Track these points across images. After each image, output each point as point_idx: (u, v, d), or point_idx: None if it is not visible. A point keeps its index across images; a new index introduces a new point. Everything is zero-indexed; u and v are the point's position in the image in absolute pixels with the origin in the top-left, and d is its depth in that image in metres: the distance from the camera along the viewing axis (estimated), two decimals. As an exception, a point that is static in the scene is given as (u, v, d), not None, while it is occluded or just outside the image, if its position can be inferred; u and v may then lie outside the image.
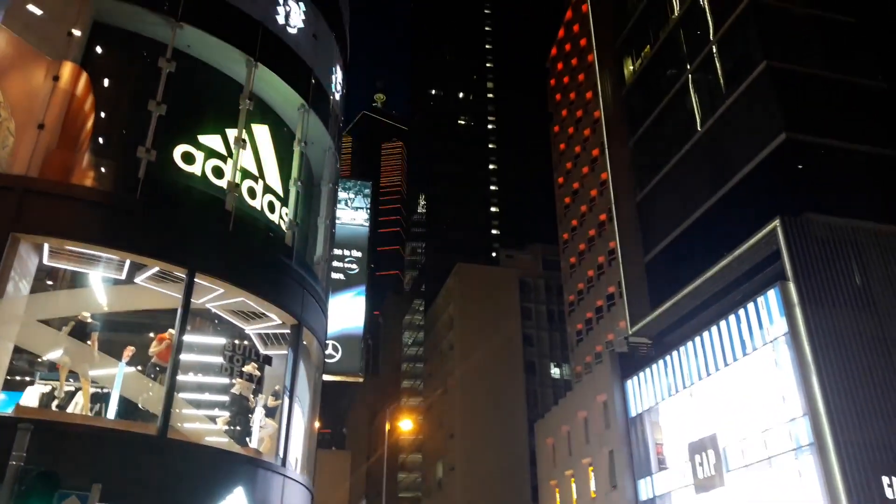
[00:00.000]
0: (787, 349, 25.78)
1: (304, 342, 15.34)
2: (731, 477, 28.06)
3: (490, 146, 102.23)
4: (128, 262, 12.76)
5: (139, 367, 13.64)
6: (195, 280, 12.60)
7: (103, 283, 13.76)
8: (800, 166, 30.16)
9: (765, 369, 27.16)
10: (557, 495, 44.37)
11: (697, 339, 31.23)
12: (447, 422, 64.38)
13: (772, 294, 26.68)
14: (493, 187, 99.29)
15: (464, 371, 62.38)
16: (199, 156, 13.77)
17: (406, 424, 42.61)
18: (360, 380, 23.61)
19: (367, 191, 24.41)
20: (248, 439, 13.87)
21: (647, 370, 35.42)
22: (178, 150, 13.54)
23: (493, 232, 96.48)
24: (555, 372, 66.28)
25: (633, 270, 42.67)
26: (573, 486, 42.24)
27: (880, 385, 24.73)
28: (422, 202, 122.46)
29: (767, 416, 26.61)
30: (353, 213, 23.79)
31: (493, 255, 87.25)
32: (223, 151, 14.16)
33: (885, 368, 25.14)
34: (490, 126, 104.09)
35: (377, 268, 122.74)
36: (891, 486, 23.02)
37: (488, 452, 57.28)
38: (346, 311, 22.62)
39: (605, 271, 50.36)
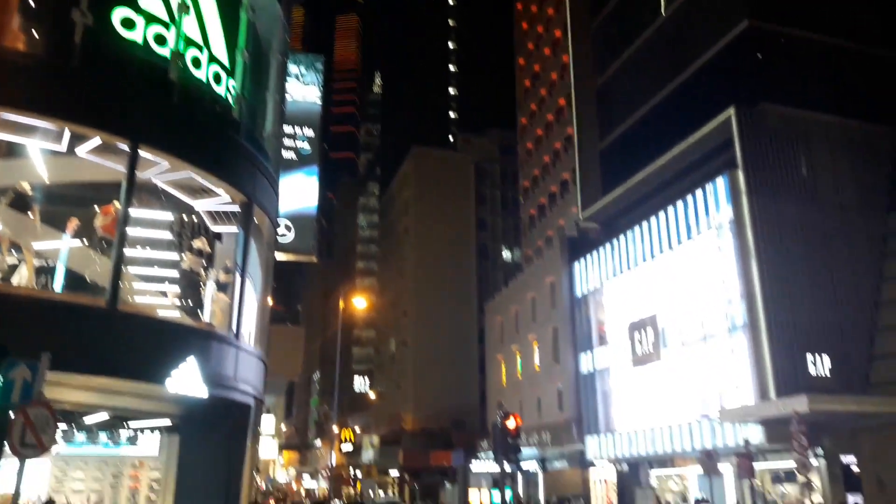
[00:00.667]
0: (731, 235, 26.72)
1: (255, 220, 15.20)
2: (668, 353, 29.74)
3: (450, 24, 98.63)
4: (67, 133, 12.21)
5: (85, 241, 13.42)
6: (139, 153, 12.20)
7: (42, 154, 13.22)
8: (759, 55, 30.07)
9: (707, 254, 28.22)
10: (503, 368, 46.55)
11: (645, 223, 32.06)
12: (401, 301, 65.92)
13: (720, 181, 27.29)
14: (452, 68, 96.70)
15: (418, 254, 63.26)
16: (140, 21, 12.94)
17: (360, 303, 43.52)
18: (314, 259, 23.64)
19: (319, 65, 23.46)
20: (199, 313, 13.99)
21: (595, 252, 36.45)
22: (117, 15, 12.68)
23: (451, 115, 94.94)
24: (506, 255, 67.66)
25: (589, 156, 42.92)
26: (518, 359, 44.29)
27: (814, 272, 26.01)
28: (378, 82, 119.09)
29: (706, 298, 27.93)
30: (304, 89, 22.98)
31: (451, 139, 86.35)
32: (165, 17, 13.34)
33: (821, 257, 26.36)
34: (451, 1, 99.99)
35: (331, 149, 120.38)
36: (814, 363, 24.77)
37: (439, 330, 59.28)
38: (299, 192, 22.29)
39: (560, 158, 50.50)
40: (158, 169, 13.26)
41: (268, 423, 70.17)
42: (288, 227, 21.26)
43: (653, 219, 31.48)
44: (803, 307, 25.28)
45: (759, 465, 23.44)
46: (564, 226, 47.60)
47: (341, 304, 39.85)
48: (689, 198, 29.08)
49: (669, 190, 32.32)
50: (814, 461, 21.68)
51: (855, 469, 23.03)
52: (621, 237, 34.12)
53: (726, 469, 25.29)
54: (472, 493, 38.91)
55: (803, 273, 25.82)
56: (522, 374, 43.75)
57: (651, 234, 31.62)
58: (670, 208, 30.25)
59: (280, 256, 20.69)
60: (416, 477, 55.20)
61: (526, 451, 34.40)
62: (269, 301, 17.89)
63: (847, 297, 26.16)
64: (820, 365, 24.72)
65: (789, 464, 21.46)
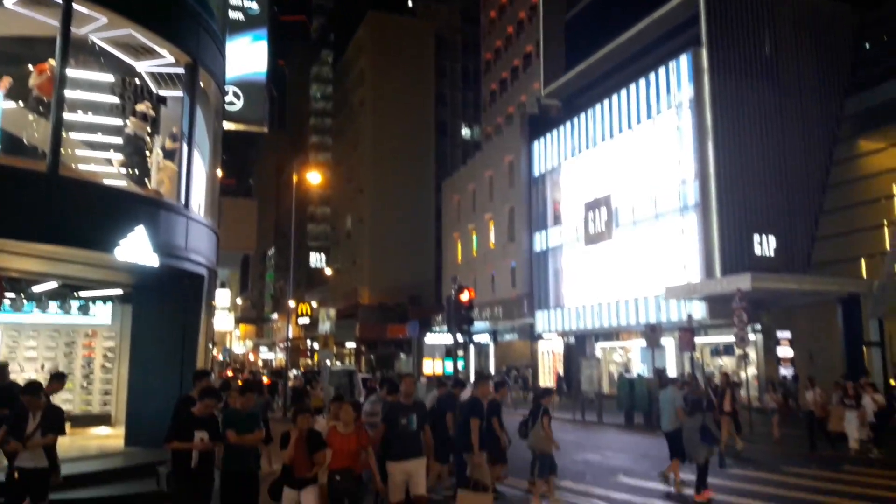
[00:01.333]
0: (690, 115, 26.63)
1: (201, 84, 14.36)
2: (620, 232, 30.33)
3: None
4: (-11, -20, 11.09)
5: (20, 102, 12.52)
6: (73, 5, 11.17)
7: (-38, 4, 12.01)
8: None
9: (665, 134, 28.21)
10: (459, 246, 47.11)
11: (606, 101, 31.68)
12: (357, 177, 65.13)
13: (683, 59, 26.86)
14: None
15: (374, 128, 61.86)
16: None
17: (314, 177, 42.74)
18: (265, 130, 22.73)
19: (269, -84, 21.60)
20: (147, 181, 13.44)
21: (555, 131, 36.15)
22: None
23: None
24: (465, 133, 66.75)
25: (554, 27, 41.62)
26: (474, 238, 44.79)
27: (768, 154, 26.35)
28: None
29: (661, 178, 28.20)
30: (252, -58, 21.25)
31: (410, 4, 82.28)
32: None
33: (776, 139, 26.62)
34: None
35: (281, 11, 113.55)
36: (760, 242, 25.59)
37: (396, 207, 59.15)
38: (247, 57, 21.04)
39: (525, 29, 48.77)
40: (96, 25, 12.24)
41: (223, 296, 70.52)
42: (237, 95, 20.27)
43: (614, 97, 31.09)
44: (754, 188, 25.76)
45: (699, 339, 24.64)
46: (526, 102, 46.81)
47: (294, 178, 39.06)
48: (652, 76, 28.65)
49: (632, 67, 31.78)
50: (751, 336, 22.85)
51: (785, 349, 24.25)
52: (581, 116, 33.76)
53: (669, 342, 26.56)
54: (426, 363, 40.38)
55: (757, 154, 26.13)
56: (478, 251, 44.38)
57: (611, 113, 31.33)
58: (632, 86, 29.84)
59: (229, 126, 19.84)
60: (373, 348, 56.88)
61: (478, 324, 35.58)
62: (219, 172, 17.33)
63: (797, 180, 26.72)
64: (765, 245, 25.57)
65: (728, 338, 22.56)
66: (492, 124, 53.74)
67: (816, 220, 26.97)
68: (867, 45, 28.84)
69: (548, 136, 36.80)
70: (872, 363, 23.02)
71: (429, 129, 63.82)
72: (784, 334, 24.27)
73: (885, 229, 24.52)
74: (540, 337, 37.45)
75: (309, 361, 68.01)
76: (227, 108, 19.01)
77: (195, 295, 14.13)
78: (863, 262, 24.91)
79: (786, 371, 23.49)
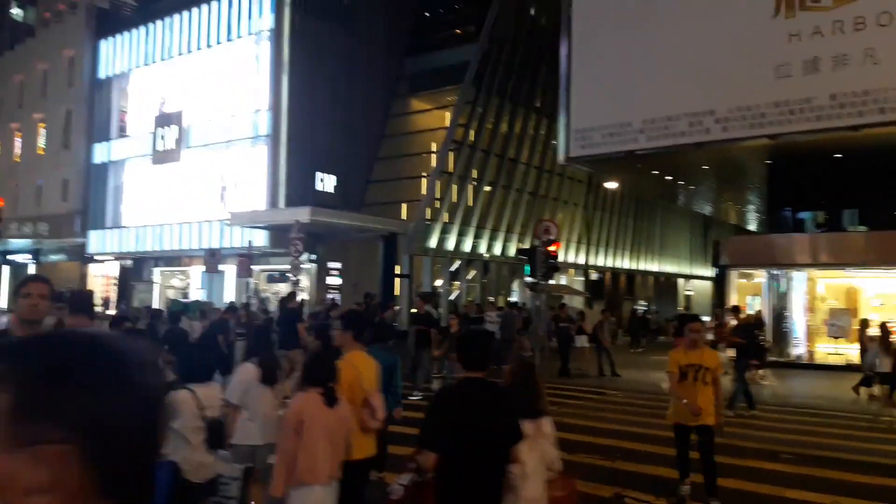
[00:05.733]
0: (269, 45, 26.69)
1: None
2: (190, 153, 29.19)
3: None
4: None
5: None
6: None
7: None
8: None
9: (244, 60, 27.82)
10: (-3, 149, 39.80)
11: (186, 13, 29.79)
12: None
13: (268, -13, 26.66)
14: None
15: None
16: None
17: None
18: None
19: None
20: None
21: (127, 33, 32.74)
22: None
23: None
24: (17, 13, 55.85)
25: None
26: (17, 140, 38.30)
27: (337, 98, 27.97)
28: None
29: (236, 105, 27.81)
30: None
31: None
32: None
33: (346, 85, 28.33)
34: None
35: None
36: (322, 180, 27.24)
37: None
38: None
39: None
40: None
41: None
42: None
43: (195, 10, 29.36)
44: (322, 128, 27.20)
45: (259, 267, 25.36)
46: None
47: None
48: (235, -3, 27.83)
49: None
50: (306, 265, 24.35)
51: (334, 278, 26.54)
52: (159, 22, 31.14)
53: (229, 269, 26.72)
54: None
55: (328, 96, 27.54)
56: (22, 157, 38.07)
57: (191, 27, 29.58)
58: (214, 3, 28.56)
59: None
60: None
61: (17, 242, 30.97)
62: None
63: (359, 126, 29.04)
64: (327, 182, 27.36)
65: (286, 266, 23.65)
66: (52, 10, 45.92)
67: (372, 165, 29.81)
68: (427, 14, 32.49)
69: (119, 36, 33.06)
70: (402, 292, 26.73)
71: (-35, -1, 51.65)
72: (335, 265, 26.50)
73: (423, 180, 28.41)
74: (92, 259, 34.13)
75: None
76: None
77: None
78: (404, 206, 28.49)
79: (332, 296, 25.70)
